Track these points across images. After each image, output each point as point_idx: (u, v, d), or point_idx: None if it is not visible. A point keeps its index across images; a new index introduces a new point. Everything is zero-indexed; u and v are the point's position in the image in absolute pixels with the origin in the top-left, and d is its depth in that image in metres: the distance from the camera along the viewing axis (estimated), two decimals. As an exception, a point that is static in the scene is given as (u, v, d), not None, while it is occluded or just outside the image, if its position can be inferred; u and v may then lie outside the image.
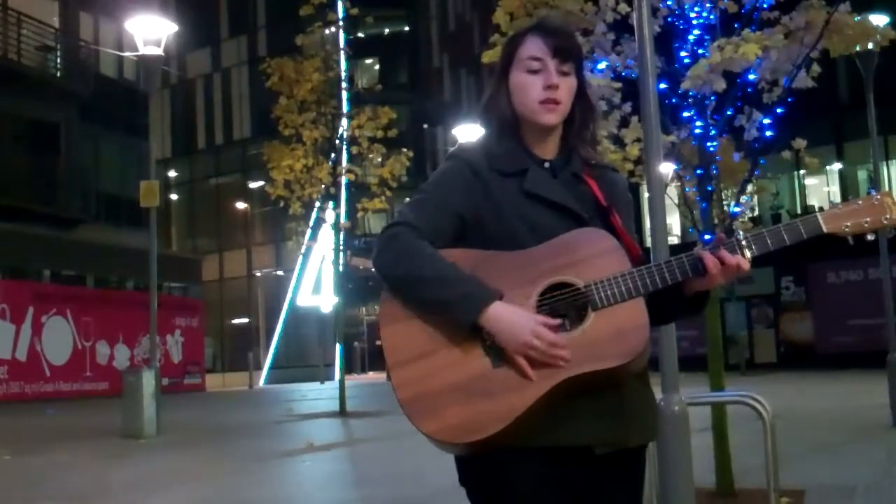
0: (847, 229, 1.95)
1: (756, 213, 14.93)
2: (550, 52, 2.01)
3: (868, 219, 1.95)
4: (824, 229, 1.94)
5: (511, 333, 1.82)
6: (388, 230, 1.97)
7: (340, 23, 17.73)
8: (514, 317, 1.83)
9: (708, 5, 6.04)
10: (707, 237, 6.12)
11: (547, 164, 2.05)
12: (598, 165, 2.11)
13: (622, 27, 6.12)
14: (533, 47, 2.02)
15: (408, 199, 2.06)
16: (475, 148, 2.07)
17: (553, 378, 1.82)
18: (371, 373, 41.91)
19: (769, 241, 1.94)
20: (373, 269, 1.98)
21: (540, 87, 2.00)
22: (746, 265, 1.93)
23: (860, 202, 1.96)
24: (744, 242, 1.94)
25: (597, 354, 1.83)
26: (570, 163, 2.06)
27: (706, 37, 6.05)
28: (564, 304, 1.88)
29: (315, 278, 40.31)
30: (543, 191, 1.98)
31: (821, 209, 2.01)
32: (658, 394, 4.10)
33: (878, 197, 1.96)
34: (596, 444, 1.89)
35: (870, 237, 1.96)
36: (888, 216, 1.95)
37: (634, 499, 2.03)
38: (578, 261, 1.89)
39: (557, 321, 1.86)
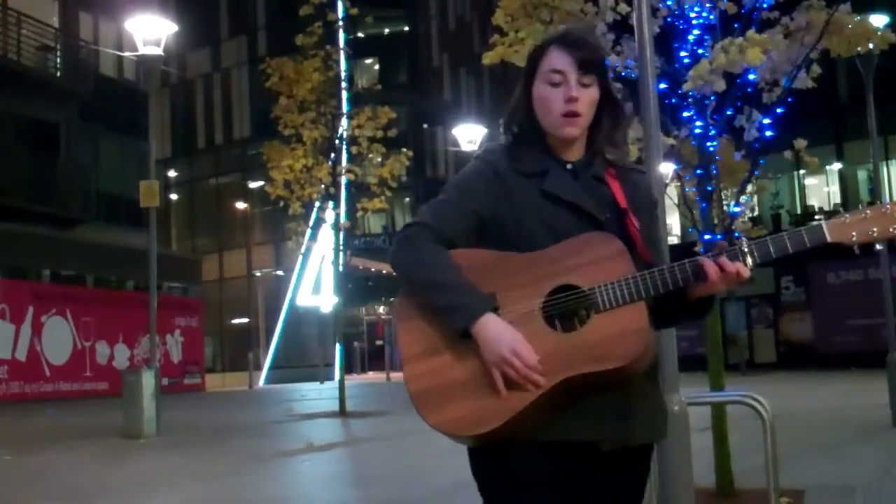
0: (854, 238, 1.91)
1: (756, 213, 14.94)
2: (573, 64, 2.02)
3: (876, 228, 1.91)
4: (829, 239, 1.91)
5: (492, 347, 1.88)
6: (405, 230, 2.03)
7: (340, 23, 17.72)
8: (499, 331, 1.89)
9: (708, 5, 6.04)
10: (707, 237, 6.12)
11: (569, 166, 2.08)
12: (624, 168, 2.13)
13: (622, 27, 6.11)
14: (555, 60, 2.04)
15: (433, 198, 2.11)
16: (499, 149, 2.11)
17: (554, 377, 1.87)
18: (371, 373, 41.87)
19: (772, 250, 1.94)
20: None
21: (561, 101, 2.02)
22: (746, 273, 1.94)
23: (868, 212, 1.92)
24: (746, 250, 1.94)
25: (597, 355, 1.87)
26: (592, 164, 2.09)
27: (706, 37, 6.05)
28: (569, 306, 1.93)
29: (315, 278, 40.25)
30: (561, 191, 2.02)
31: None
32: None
33: (888, 206, 1.92)
34: (601, 440, 1.94)
35: (878, 247, 1.93)
36: None
37: (637, 497, 2.06)
38: (585, 263, 1.94)
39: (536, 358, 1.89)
